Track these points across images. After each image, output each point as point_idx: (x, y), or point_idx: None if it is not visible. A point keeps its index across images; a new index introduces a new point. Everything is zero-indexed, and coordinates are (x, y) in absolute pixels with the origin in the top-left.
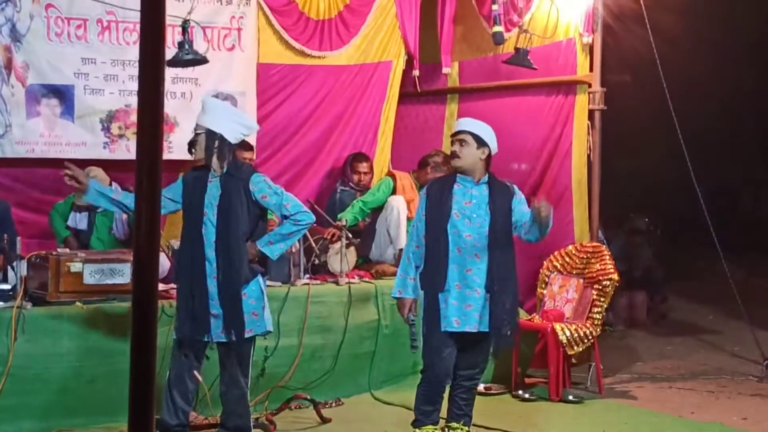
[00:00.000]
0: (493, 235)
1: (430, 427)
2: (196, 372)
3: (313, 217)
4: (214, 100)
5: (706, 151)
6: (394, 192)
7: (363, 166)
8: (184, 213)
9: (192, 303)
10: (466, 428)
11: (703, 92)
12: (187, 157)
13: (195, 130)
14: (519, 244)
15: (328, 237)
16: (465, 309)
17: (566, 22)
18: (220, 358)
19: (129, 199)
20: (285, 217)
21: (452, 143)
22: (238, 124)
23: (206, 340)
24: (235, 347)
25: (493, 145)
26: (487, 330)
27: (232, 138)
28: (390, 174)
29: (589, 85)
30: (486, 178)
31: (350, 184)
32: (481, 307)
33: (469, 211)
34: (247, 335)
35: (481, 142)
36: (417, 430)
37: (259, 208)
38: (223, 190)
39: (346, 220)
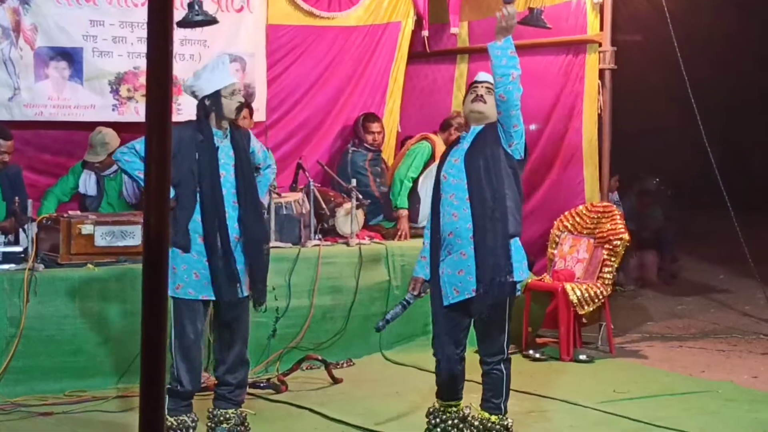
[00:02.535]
0: (471, 186)
1: (443, 402)
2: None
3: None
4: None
5: (718, 110)
6: (432, 156)
7: (376, 126)
8: (189, 176)
9: (218, 265)
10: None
11: (715, 51)
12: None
13: (240, 91)
14: (531, 204)
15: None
16: (458, 275)
17: None
18: (226, 317)
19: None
20: (268, 167)
21: (475, 89)
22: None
23: (234, 299)
24: (243, 305)
25: None
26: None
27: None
28: (426, 138)
29: (600, 45)
30: (480, 127)
31: (364, 144)
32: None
33: (455, 169)
34: (246, 293)
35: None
36: (437, 399)
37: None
38: (236, 147)
39: (404, 209)
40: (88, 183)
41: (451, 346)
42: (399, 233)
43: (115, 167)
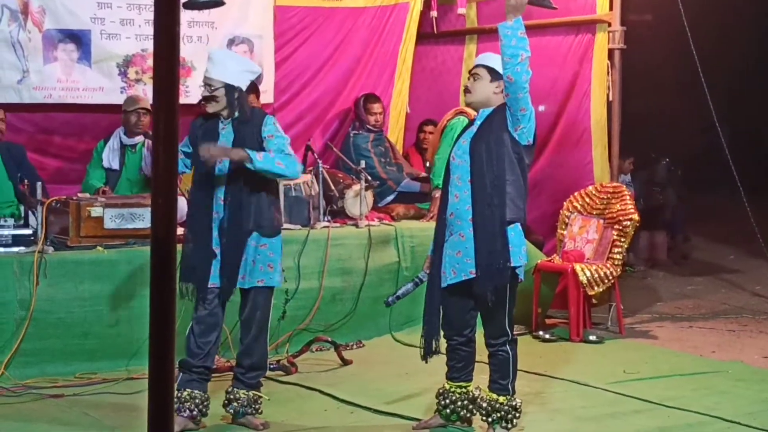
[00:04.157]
0: (474, 169)
1: (453, 384)
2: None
3: (298, 174)
4: (221, 51)
5: (729, 90)
6: None
7: (377, 107)
8: (193, 161)
9: (197, 251)
10: (501, 397)
11: (725, 30)
12: None
13: (208, 83)
14: (541, 185)
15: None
16: (456, 256)
17: None
18: (240, 299)
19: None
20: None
21: (468, 79)
22: (247, 72)
23: (206, 287)
24: (255, 293)
25: None
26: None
27: (244, 86)
28: (461, 113)
29: (609, 24)
30: (491, 109)
31: (367, 126)
32: (470, 249)
33: (461, 150)
34: (257, 284)
35: (495, 75)
36: (447, 381)
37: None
38: (236, 135)
39: (439, 189)
40: (111, 156)
41: (438, 325)
42: (430, 215)
43: (140, 137)
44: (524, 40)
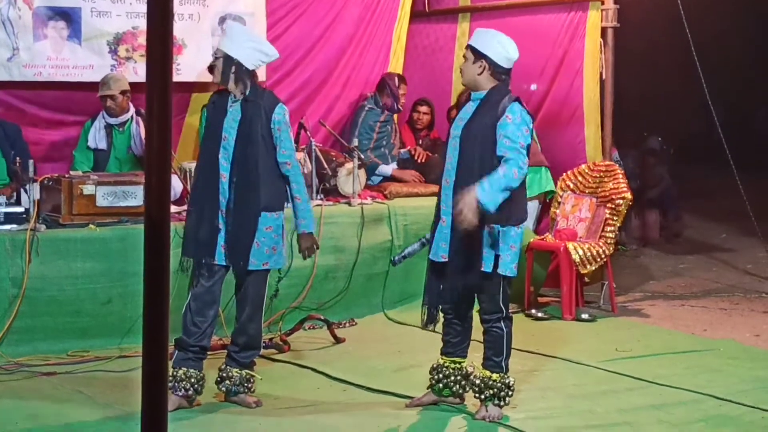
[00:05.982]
0: (462, 156)
1: (447, 359)
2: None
3: (296, 172)
4: (237, 25)
5: (722, 68)
6: None
7: (404, 88)
8: (202, 136)
9: (201, 225)
10: (492, 374)
11: (719, 9)
12: (197, 78)
13: (214, 53)
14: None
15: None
16: (441, 236)
17: None
18: (236, 279)
19: None
20: (283, 163)
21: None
22: (257, 51)
23: (210, 262)
24: (252, 273)
25: (496, 53)
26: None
27: (250, 64)
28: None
29: (602, 2)
30: (483, 93)
31: (397, 105)
32: (447, 235)
33: (456, 132)
34: (262, 267)
35: (477, 54)
36: (441, 355)
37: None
38: (243, 114)
39: None
40: (97, 137)
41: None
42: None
43: (126, 116)
44: (505, 192)
